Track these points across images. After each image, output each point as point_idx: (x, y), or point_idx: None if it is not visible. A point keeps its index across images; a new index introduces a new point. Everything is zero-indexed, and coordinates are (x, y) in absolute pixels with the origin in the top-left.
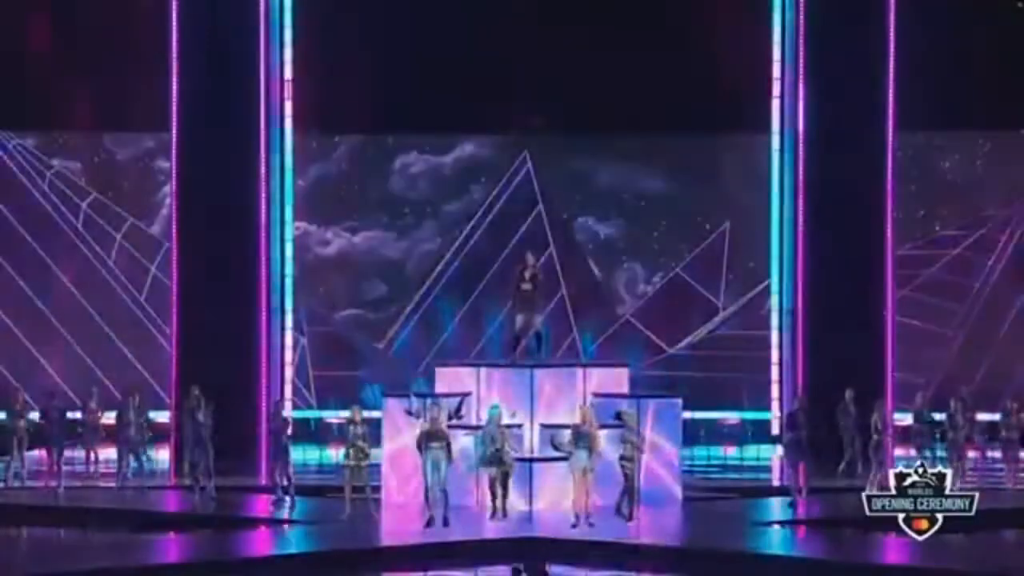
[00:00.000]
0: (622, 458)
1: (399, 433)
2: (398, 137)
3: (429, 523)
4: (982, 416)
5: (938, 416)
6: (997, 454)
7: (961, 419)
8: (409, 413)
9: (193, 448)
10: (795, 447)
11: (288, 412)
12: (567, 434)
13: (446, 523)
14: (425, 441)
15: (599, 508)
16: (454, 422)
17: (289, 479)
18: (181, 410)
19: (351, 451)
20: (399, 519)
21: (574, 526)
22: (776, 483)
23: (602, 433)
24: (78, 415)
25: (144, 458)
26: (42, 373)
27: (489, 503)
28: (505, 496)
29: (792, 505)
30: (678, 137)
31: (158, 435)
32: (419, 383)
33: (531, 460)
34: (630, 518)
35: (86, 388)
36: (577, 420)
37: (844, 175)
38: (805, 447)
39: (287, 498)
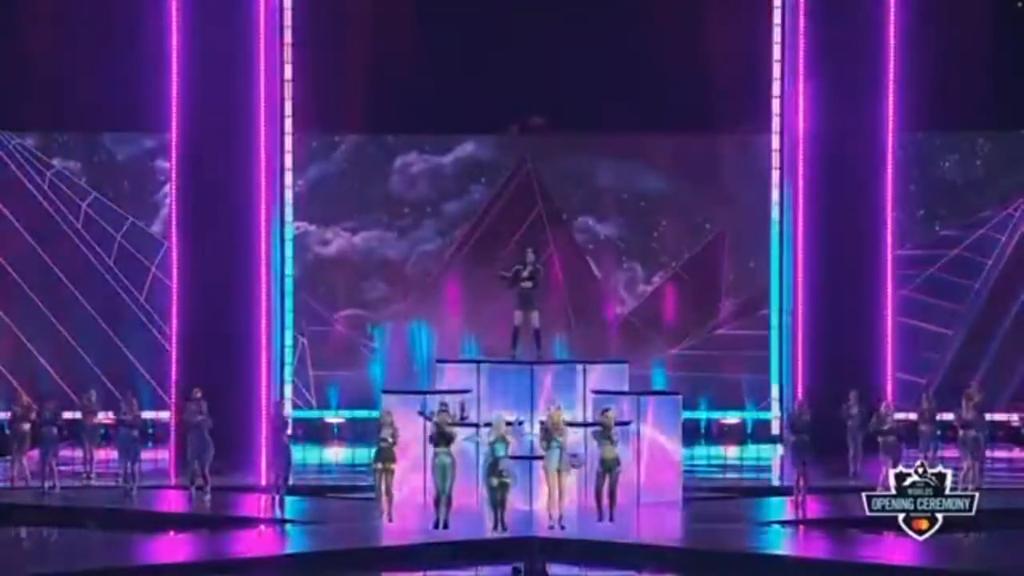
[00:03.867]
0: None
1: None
2: (398, 137)
3: (437, 525)
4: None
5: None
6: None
7: (974, 418)
8: (421, 414)
9: (197, 449)
10: (799, 448)
11: (287, 412)
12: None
13: (445, 526)
14: (434, 445)
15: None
16: (458, 421)
17: (286, 479)
18: (184, 411)
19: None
20: (399, 519)
21: (550, 527)
22: (776, 483)
23: (570, 431)
24: (76, 415)
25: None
26: (41, 373)
27: (488, 514)
28: (503, 508)
29: (797, 505)
30: (678, 137)
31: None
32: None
33: (531, 459)
34: (610, 518)
35: (85, 388)
36: (547, 421)
37: (844, 175)
38: (809, 448)
39: (277, 497)
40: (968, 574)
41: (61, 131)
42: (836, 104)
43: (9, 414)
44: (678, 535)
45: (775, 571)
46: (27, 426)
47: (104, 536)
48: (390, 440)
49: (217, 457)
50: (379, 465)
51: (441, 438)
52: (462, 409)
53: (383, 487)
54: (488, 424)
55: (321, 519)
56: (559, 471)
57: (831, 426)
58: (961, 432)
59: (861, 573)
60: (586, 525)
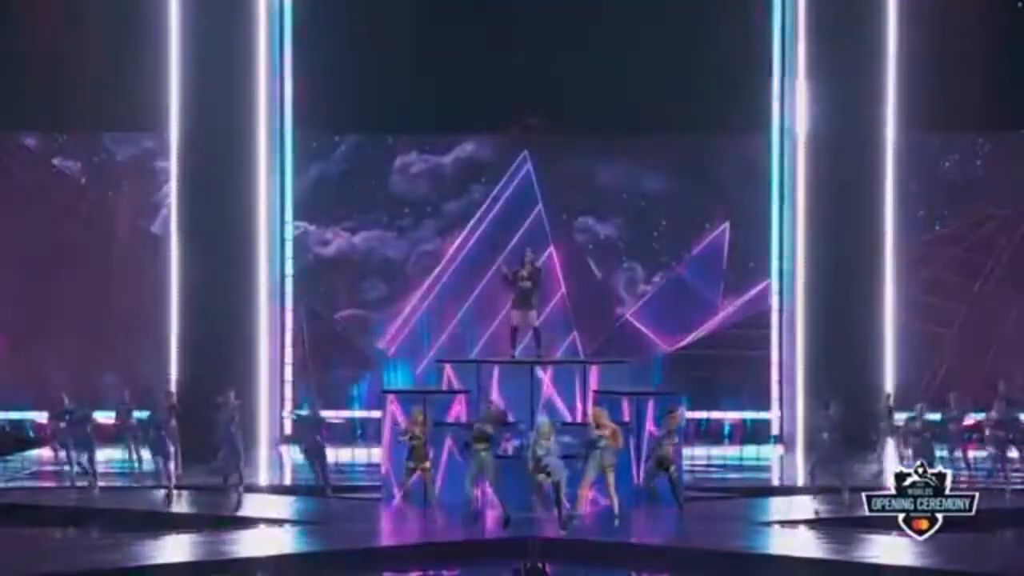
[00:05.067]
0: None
1: (399, 431)
2: (398, 137)
3: (475, 519)
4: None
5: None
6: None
7: (996, 415)
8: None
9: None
10: (833, 447)
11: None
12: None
13: (507, 522)
14: (473, 443)
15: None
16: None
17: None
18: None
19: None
20: (399, 519)
21: (568, 523)
22: (776, 483)
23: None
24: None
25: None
26: (40, 372)
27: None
28: (558, 506)
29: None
30: (678, 137)
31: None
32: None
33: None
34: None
35: (86, 388)
36: (591, 421)
37: (844, 175)
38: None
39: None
40: (968, 574)
41: (61, 131)
42: (836, 104)
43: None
44: (678, 535)
45: (775, 571)
46: (63, 424)
47: (104, 536)
48: (421, 438)
49: (215, 457)
50: (411, 464)
51: (478, 437)
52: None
53: (408, 484)
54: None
55: (321, 519)
56: (603, 469)
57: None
58: (988, 431)
59: (861, 573)
60: (586, 525)
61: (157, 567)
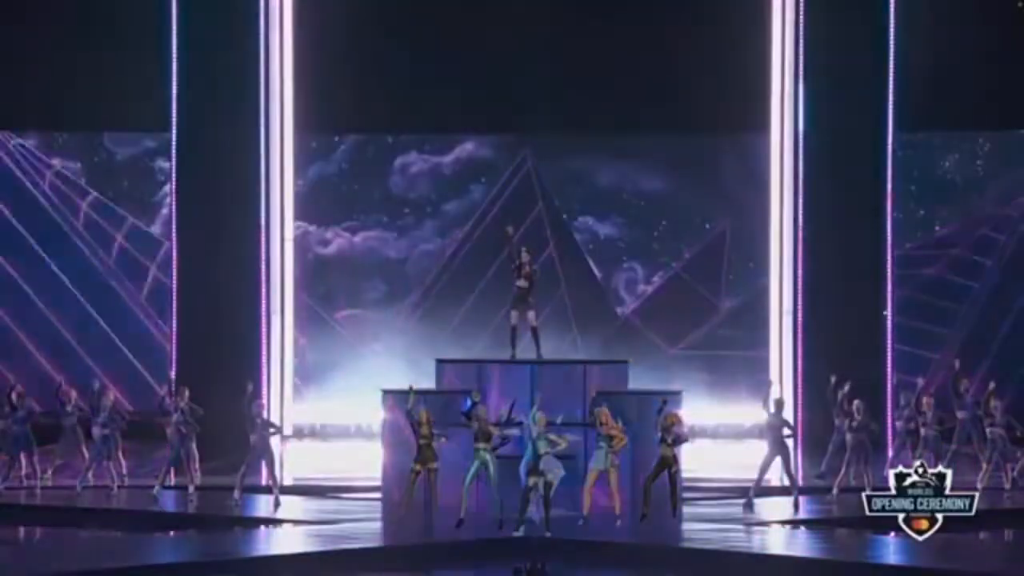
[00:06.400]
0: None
1: (400, 431)
2: (398, 137)
3: (459, 524)
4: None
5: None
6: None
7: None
8: (464, 414)
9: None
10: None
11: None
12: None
13: (513, 526)
14: (473, 442)
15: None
16: (504, 424)
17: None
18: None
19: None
20: (399, 519)
21: (581, 523)
22: (776, 483)
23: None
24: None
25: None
26: (41, 373)
27: (515, 515)
28: (547, 507)
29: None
30: (678, 137)
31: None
32: None
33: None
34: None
35: (85, 388)
36: (594, 421)
37: (844, 175)
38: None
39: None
40: (968, 574)
41: (61, 131)
42: (836, 104)
43: (68, 410)
44: (678, 535)
45: (775, 571)
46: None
47: (104, 536)
48: (428, 438)
49: (216, 457)
50: (417, 467)
51: (480, 434)
52: (510, 411)
53: (414, 486)
54: (516, 423)
55: (321, 519)
56: (607, 470)
57: (832, 425)
58: (988, 430)
59: (861, 573)
60: (586, 525)
61: (157, 567)
